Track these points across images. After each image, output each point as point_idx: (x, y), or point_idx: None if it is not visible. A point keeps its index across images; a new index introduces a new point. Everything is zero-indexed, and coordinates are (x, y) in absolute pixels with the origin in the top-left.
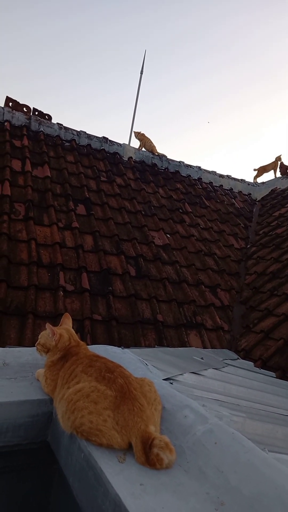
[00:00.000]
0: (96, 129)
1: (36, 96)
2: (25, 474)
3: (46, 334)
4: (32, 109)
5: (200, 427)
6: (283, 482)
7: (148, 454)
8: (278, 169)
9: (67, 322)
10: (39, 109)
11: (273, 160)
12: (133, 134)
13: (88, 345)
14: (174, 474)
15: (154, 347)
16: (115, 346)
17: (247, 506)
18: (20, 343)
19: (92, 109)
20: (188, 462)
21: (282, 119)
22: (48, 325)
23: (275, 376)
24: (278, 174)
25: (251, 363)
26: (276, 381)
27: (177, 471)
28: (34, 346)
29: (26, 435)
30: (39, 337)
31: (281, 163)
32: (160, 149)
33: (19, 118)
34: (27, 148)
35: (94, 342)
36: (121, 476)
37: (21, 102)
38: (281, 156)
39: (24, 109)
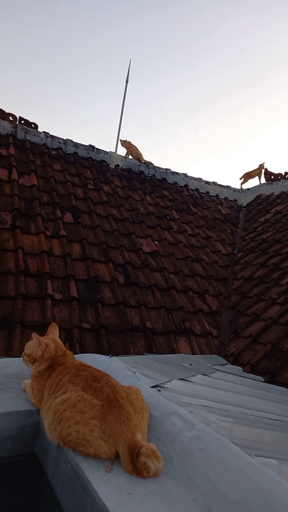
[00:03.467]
0: (82, 138)
1: (22, 106)
2: (13, 487)
3: (33, 344)
4: (18, 118)
5: (187, 433)
6: (270, 486)
7: (135, 463)
8: (262, 175)
9: (54, 332)
10: (25, 118)
11: (257, 167)
12: (119, 142)
13: (76, 354)
14: (162, 482)
15: (143, 354)
16: (104, 354)
17: (235, 511)
18: (8, 354)
19: (78, 118)
20: (175, 469)
21: (266, 127)
22: (34, 335)
23: (263, 381)
24: (263, 180)
25: (240, 368)
26: (265, 386)
27: (164, 479)
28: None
29: (13, 448)
30: (26, 347)
31: (265, 169)
32: (146, 157)
33: (5, 127)
34: (13, 157)
35: (83, 351)
36: (108, 486)
37: (6, 111)
38: (264, 164)
39: (10, 117)
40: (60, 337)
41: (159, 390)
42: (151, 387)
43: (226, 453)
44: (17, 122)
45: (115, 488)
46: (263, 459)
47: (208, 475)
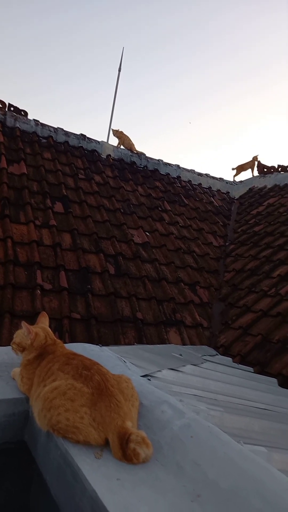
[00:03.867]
0: (75, 129)
1: (12, 96)
2: (3, 475)
3: (22, 333)
4: (7, 104)
5: (177, 422)
6: (259, 474)
7: (125, 449)
8: (255, 168)
9: (44, 321)
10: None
11: (251, 159)
12: (111, 132)
13: (66, 343)
14: (151, 469)
15: (133, 345)
16: (94, 344)
17: (224, 498)
18: None
19: (70, 109)
20: (165, 457)
21: (260, 119)
22: (23, 324)
23: (253, 371)
24: (256, 173)
25: (230, 359)
26: (254, 376)
27: (154, 466)
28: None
29: (2, 435)
30: (15, 336)
31: (259, 162)
32: (138, 148)
33: None
34: (2, 145)
35: (73, 341)
36: (98, 472)
37: None
38: (257, 156)
39: None
40: (49, 326)
41: (149, 380)
42: (141, 376)
43: (215, 441)
44: (6, 109)
45: (105, 475)
46: (252, 447)
47: (197, 462)
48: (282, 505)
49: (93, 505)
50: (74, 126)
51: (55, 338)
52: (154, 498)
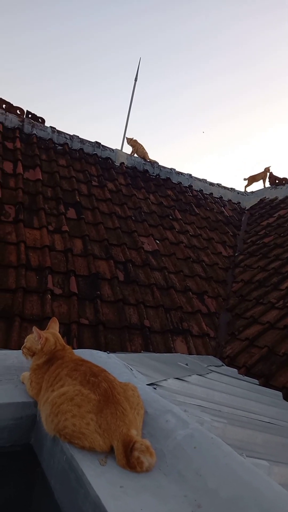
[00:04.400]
0: (89, 134)
1: (29, 101)
2: (8, 477)
3: (32, 338)
4: (25, 111)
5: (181, 431)
6: (259, 485)
7: (129, 457)
8: (267, 179)
9: (54, 327)
10: (32, 112)
11: (263, 170)
12: (125, 140)
13: (74, 349)
14: (154, 477)
15: (140, 352)
16: (101, 350)
17: (224, 508)
18: (6, 346)
19: (86, 114)
20: (168, 466)
21: (273, 129)
22: (35, 329)
23: (258, 384)
24: (267, 184)
25: (235, 370)
26: (259, 389)
27: (157, 474)
28: (20, 349)
29: (9, 438)
30: (25, 340)
31: (270, 173)
32: (152, 156)
33: (12, 120)
34: (19, 151)
35: (81, 346)
36: (102, 478)
37: (14, 105)
38: (270, 167)
39: (18, 111)
40: (59, 331)
41: (155, 388)
42: (147, 384)
43: (218, 452)
44: (24, 116)
45: (109, 481)
46: (254, 460)
47: (199, 472)
48: None
49: (96, 510)
50: (89, 132)
51: (64, 344)
52: (156, 506)
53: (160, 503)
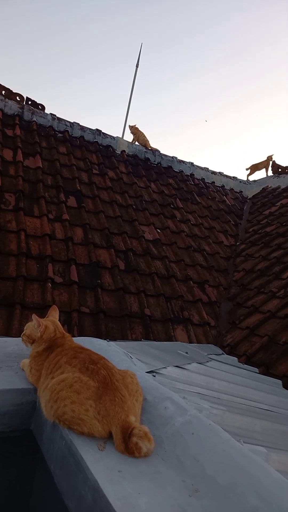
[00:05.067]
0: (90, 122)
1: (29, 89)
2: (8, 462)
3: (32, 325)
4: (25, 98)
5: (179, 418)
6: (256, 472)
7: (127, 443)
8: (270, 168)
9: (54, 314)
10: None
11: (265, 158)
12: (126, 127)
13: (74, 337)
14: (152, 463)
15: (140, 340)
16: (102, 339)
17: (222, 494)
18: (7, 334)
19: (86, 101)
20: (166, 452)
21: (277, 118)
22: (34, 316)
23: (258, 372)
24: (270, 173)
25: (236, 359)
26: (259, 377)
27: (155, 460)
28: (20, 336)
29: (10, 423)
30: (25, 328)
31: (273, 162)
32: (153, 144)
33: (11, 107)
34: (19, 138)
35: (81, 334)
36: (100, 463)
37: (14, 91)
38: (272, 156)
39: (17, 98)
40: (59, 320)
41: (154, 376)
42: (146, 372)
43: (216, 438)
44: (24, 103)
45: (107, 466)
46: (252, 446)
47: (197, 458)
48: (277, 502)
49: (94, 494)
50: (90, 119)
51: (64, 332)
52: (154, 491)
53: (157, 488)
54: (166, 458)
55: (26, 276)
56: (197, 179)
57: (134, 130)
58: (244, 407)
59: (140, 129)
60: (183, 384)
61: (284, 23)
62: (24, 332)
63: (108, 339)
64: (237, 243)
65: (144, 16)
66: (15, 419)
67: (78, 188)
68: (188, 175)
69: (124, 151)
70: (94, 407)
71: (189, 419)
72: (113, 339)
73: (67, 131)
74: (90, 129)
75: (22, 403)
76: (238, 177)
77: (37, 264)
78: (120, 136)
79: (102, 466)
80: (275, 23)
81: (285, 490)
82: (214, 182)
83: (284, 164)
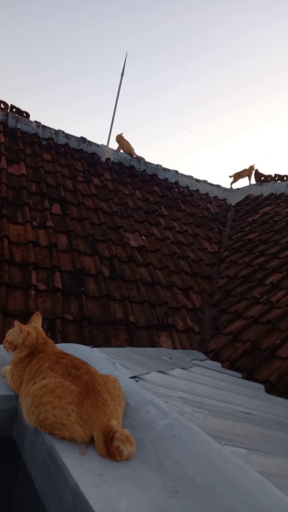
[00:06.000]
0: (74, 130)
1: (13, 95)
2: None
3: (14, 332)
4: (9, 105)
5: (161, 421)
6: (235, 472)
7: (109, 447)
8: (252, 176)
9: (37, 321)
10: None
11: (248, 167)
12: (111, 135)
13: (58, 344)
14: (134, 466)
15: (125, 347)
16: (86, 345)
17: (201, 494)
18: None
19: (71, 110)
20: (147, 455)
21: (258, 127)
22: (16, 322)
23: (241, 377)
24: (253, 181)
25: (219, 364)
26: (242, 382)
27: (136, 463)
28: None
29: None
30: (7, 334)
31: (256, 170)
32: (138, 152)
33: None
34: (3, 145)
35: (65, 341)
36: (82, 468)
37: None
38: (254, 165)
39: (1, 105)
40: (42, 327)
41: (137, 381)
42: (129, 377)
43: (196, 440)
44: (9, 110)
45: (88, 470)
46: (232, 448)
47: (178, 460)
48: (254, 502)
49: (75, 497)
50: (75, 127)
51: (46, 338)
52: (134, 493)
53: (138, 490)
54: (148, 461)
55: (9, 283)
56: (181, 186)
57: (119, 138)
58: (226, 411)
59: (125, 137)
60: (166, 389)
61: (268, 32)
62: (6, 338)
63: (91, 346)
64: (221, 250)
65: (129, 24)
66: None
67: (63, 195)
68: (172, 182)
69: (109, 158)
70: (76, 412)
71: (171, 422)
72: (97, 346)
73: (52, 138)
74: (75, 136)
75: (3, 409)
76: (222, 185)
77: (20, 271)
78: (105, 144)
79: (84, 470)
80: (259, 32)
81: (263, 489)
82: (198, 190)
83: (266, 173)
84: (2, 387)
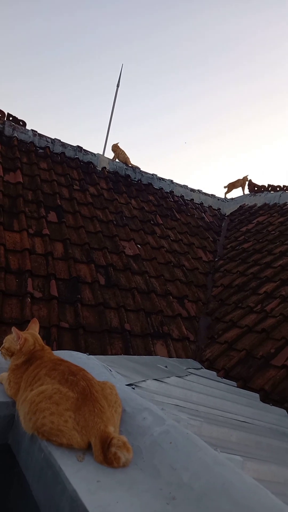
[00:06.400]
0: (70, 139)
1: (8, 101)
2: None
3: (11, 338)
4: (6, 114)
5: (157, 428)
6: (230, 478)
7: (106, 453)
8: (246, 187)
9: (34, 327)
10: (13, 114)
11: (242, 178)
12: (107, 144)
13: (53, 351)
14: (130, 472)
15: (120, 355)
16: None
17: (196, 500)
18: None
19: (67, 118)
20: (144, 461)
21: (254, 142)
22: (14, 329)
23: (236, 386)
24: (247, 191)
25: (214, 373)
26: (237, 390)
27: (133, 469)
28: None
29: None
30: (4, 341)
31: (250, 181)
32: (134, 162)
33: None
34: None
35: (60, 349)
36: (79, 474)
37: None
38: (247, 176)
39: None
40: (38, 333)
41: (133, 388)
42: (125, 385)
43: (192, 447)
44: (5, 119)
45: (85, 477)
46: (228, 455)
47: (174, 466)
48: (250, 507)
49: (72, 504)
50: (71, 136)
51: (44, 344)
52: (131, 499)
53: (135, 497)
54: (144, 467)
55: (4, 291)
56: (176, 196)
57: (114, 147)
58: (222, 418)
59: (120, 147)
60: (161, 396)
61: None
62: (3, 345)
63: (87, 353)
64: (216, 259)
65: (125, 32)
66: None
67: (59, 203)
68: (168, 192)
69: (105, 167)
70: (73, 418)
71: (167, 429)
72: (93, 354)
73: (48, 147)
74: (71, 145)
75: None
76: (216, 195)
77: (16, 279)
78: (101, 153)
79: (81, 477)
80: (268, 54)
81: (258, 494)
82: (193, 199)
83: (259, 183)
84: None
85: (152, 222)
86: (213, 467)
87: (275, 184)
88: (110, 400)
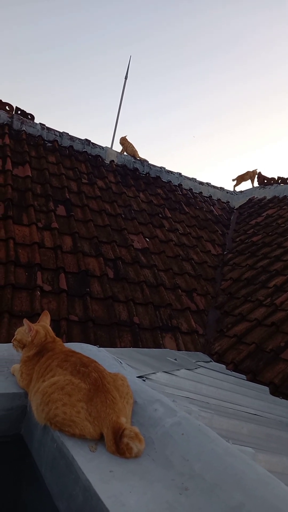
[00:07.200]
0: (78, 132)
1: (18, 96)
2: None
3: (23, 330)
4: (14, 108)
5: (169, 419)
6: (242, 468)
7: (118, 444)
8: (256, 179)
9: (45, 320)
10: (22, 108)
11: (251, 170)
12: (115, 137)
13: (64, 343)
14: (142, 462)
15: (129, 348)
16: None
17: (209, 491)
18: None
19: (75, 111)
20: (156, 452)
21: (262, 128)
22: (25, 321)
23: (245, 379)
24: (256, 184)
25: (223, 366)
26: (246, 383)
27: (145, 460)
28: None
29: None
30: (16, 333)
31: (259, 173)
32: (142, 155)
33: (0, 116)
34: (8, 147)
35: (70, 342)
36: (91, 464)
37: (3, 101)
38: (257, 170)
39: (7, 107)
40: (49, 326)
41: (144, 380)
42: (136, 377)
43: (204, 438)
44: (14, 112)
45: (98, 466)
46: (240, 447)
47: (186, 457)
48: (262, 497)
49: (85, 493)
50: (79, 129)
51: (55, 336)
52: (144, 489)
53: (148, 486)
54: (156, 458)
55: (14, 284)
56: (185, 189)
57: (122, 141)
58: (232, 411)
59: (128, 140)
60: (172, 388)
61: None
62: (15, 337)
63: (98, 345)
64: (225, 252)
65: (133, 26)
66: (5, 424)
67: (67, 197)
68: (176, 185)
69: (113, 161)
70: (86, 409)
71: (179, 420)
72: (102, 347)
73: (57, 140)
74: (79, 139)
75: (12, 407)
76: (225, 188)
77: (25, 272)
78: (109, 146)
79: (94, 467)
80: (274, 48)
81: (270, 485)
82: (201, 192)
83: (269, 176)
84: (11, 385)
85: (160, 215)
86: (225, 458)
87: (285, 177)
88: (122, 392)
